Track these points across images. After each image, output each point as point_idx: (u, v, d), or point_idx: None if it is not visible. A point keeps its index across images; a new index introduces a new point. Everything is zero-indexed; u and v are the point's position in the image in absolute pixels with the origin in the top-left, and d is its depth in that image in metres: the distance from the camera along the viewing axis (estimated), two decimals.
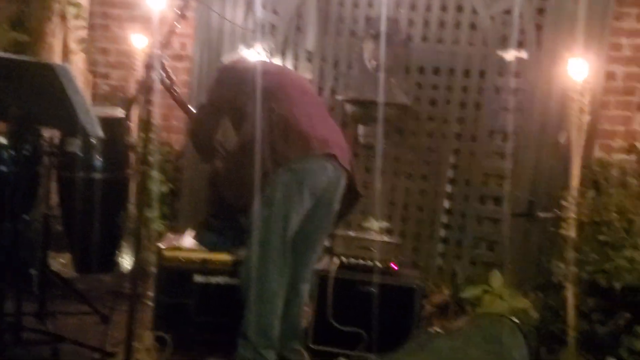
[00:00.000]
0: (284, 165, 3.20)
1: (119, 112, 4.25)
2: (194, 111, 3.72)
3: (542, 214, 3.87)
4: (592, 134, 4.28)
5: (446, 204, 4.84)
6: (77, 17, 4.97)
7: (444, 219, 4.84)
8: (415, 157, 4.88)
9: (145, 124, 2.90)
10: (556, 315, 4.29)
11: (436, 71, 4.82)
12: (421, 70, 4.84)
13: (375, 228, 4.40)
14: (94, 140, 3.96)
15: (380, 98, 4.50)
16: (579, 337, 4.05)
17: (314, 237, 3.49)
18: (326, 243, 4.74)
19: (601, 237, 4.09)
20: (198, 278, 3.63)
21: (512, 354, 2.86)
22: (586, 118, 4.08)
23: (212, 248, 3.69)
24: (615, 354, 3.65)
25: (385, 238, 4.06)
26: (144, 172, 2.95)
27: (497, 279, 4.33)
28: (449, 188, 4.83)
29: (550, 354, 4.06)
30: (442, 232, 4.84)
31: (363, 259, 3.90)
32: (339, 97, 4.89)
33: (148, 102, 2.87)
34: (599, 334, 4.02)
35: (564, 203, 4.09)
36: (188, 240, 3.80)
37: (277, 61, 4.90)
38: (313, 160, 3.27)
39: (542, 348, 3.99)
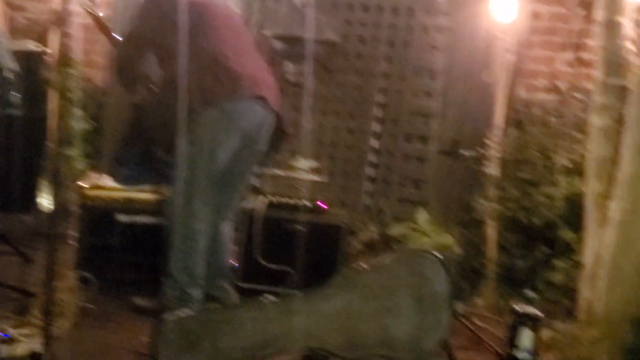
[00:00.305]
0: (212, 104, 3.15)
1: (36, 46, 4.06)
2: (119, 40, 3.55)
3: (466, 152, 3.94)
4: (516, 74, 4.34)
5: (374, 142, 4.86)
6: None
7: (372, 157, 4.87)
8: (343, 96, 4.86)
9: (64, 58, 2.77)
10: (478, 250, 4.42)
11: (365, 8, 4.77)
12: (350, 7, 4.78)
13: (303, 167, 4.39)
14: (9, 75, 3.77)
15: (308, 34, 4.43)
16: (499, 271, 4.20)
17: (239, 176, 3.46)
18: (254, 182, 4.73)
19: (522, 175, 4.20)
20: (121, 217, 3.56)
21: (435, 287, 2.93)
22: (511, 57, 4.14)
23: (125, 183, 3.62)
24: (532, 287, 3.79)
25: (313, 177, 4.06)
26: (63, 109, 2.84)
27: (422, 216, 4.42)
28: (376, 127, 4.84)
29: (472, 288, 4.20)
30: (370, 171, 4.87)
31: (291, 197, 3.90)
32: (266, 33, 4.79)
33: (65, 34, 2.73)
34: (518, 268, 4.18)
35: (487, 142, 4.17)
36: (111, 179, 3.72)
37: None
38: (242, 101, 3.23)
39: (464, 282, 4.12)
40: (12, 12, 5.08)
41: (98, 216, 3.55)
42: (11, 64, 2.84)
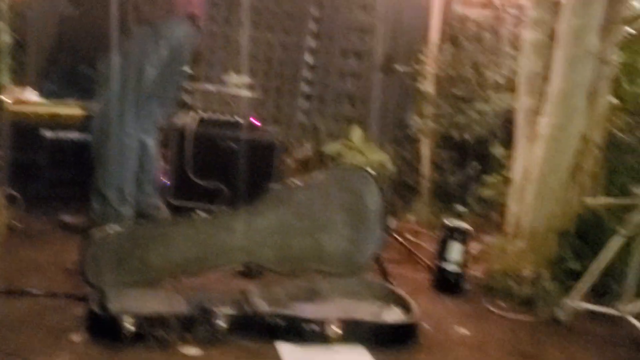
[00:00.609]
0: (146, 22, 3.10)
1: None
2: None
3: (400, 68, 3.91)
4: None
5: (309, 58, 4.77)
6: None
7: (307, 74, 4.79)
8: (278, 9, 4.73)
9: None
10: (411, 167, 4.47)
11: None
12: None
13: (236, 82, 4.29)
14: None
15: None
16: (432, 187, 4.27)
17: (164, 91, 3.36)
18: (185, 98, 4.62)
19: (456, 91, 4.21)
20: (47, 133, 3.43)
21: (367, 203, 2.95)
22: None
23: (50, 97, 3.48)
24: (463, 202, 3.87)
25: (246, 93, 3.97)
26: None
27: (357, 133, 4.41)
28: (311, 42, 4.75)
29: (405, 204, 4.26)
30: (305, 88, 4.81)
31: (223, 113, 3.83)
32: None
33: None
34: (450, 184, 4.25)
35: (422, 57, 4.15)
36: (35, 94, 3.56)
37: None
38: (176, 19, 3.18)
39: (397, 198, 4.17)
40: None
41: (23, 132, 3.41)
42: None
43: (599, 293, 3.16)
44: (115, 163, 3.16)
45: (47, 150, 3.42)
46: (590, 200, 3.26)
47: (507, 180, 3.76)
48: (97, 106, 3.24)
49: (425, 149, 4.34)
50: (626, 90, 3.45)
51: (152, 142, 3.42)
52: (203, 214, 2.77)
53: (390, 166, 4.15)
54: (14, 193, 3.33)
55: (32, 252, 3.01)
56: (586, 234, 3.29)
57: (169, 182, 3.78)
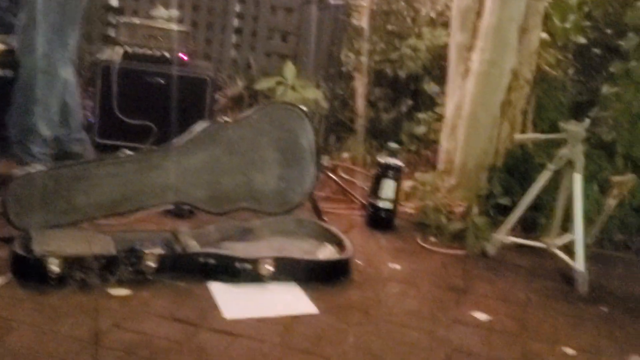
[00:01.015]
0: None
1: None
2: None
3: (333, 1, 3.82)
4: None
5: None
6: None
7: (237, 7, 4.65)
8: None
9: None
10: (345, 104, 4.43)
11: None
12: None
13: (164, 16, 4.13)
14: None
15: None
16: (366, 124, 4.25)
17: (76, 17, 3.17)
18: (110, 32, 4.43)
19: (389, 27, 4.17)
20: None
21: (300, 140, 2.91)
22: None
23: None
24: (396, 139, 3.86)
25: (174, 26, 3.82)
26: None
27: (290, 70, 4.31)
28: None
29: (339, 142, 4.24)
30: (236, 22, 4.68)
31: (150, 48, 3.68)
32: None
33: None
34: (384, 121, 4.24)
35: None
36: None
37: None
38: None
39: (331, 136, 4.14)
40: None
41: None
42: None
43: (527, 227, 3.24)
44: (38, 98, 3.01)
45: None
46: (519, 136, 3.31)
47: (439, 117, 3.78)
48: (16, 40, 3.07)
49: (359, 86, 4.31)
50: (556, 26, 3.47)
51: (72, 77, 3.25)
52: (129, 152, 2.67)
53: (324, 103, 4.10)
54: None
55: None
56: (515, 169, 3.35)
57: (94, 120, 3.65)
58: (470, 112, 3.35)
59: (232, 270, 2.43)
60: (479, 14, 3.32)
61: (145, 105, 3.59)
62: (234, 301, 2.30)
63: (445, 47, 3.64)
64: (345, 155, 4.07)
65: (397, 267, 2.78)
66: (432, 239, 3.12)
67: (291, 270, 2.50)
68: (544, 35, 3.42)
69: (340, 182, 3.57)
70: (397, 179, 3.21)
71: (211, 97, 3.76)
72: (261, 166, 2.89)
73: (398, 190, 3.23)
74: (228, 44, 4.68)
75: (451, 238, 3.10)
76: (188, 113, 3.55)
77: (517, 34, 3.26)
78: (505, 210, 3.17)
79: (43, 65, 3.01)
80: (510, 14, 3.23)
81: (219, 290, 2.35)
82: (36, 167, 2.52)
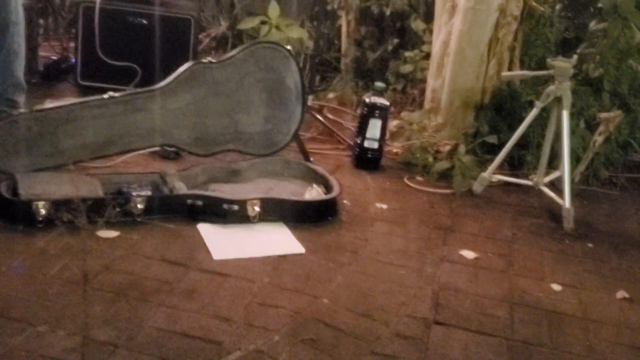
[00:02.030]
0: None
1: None
2: None
3: None
4: None
5: None
6: None
7: None
8: None
9: None
10: (330, 43, 4.38)
11: None
12: None
13: None
14: None
15: None
16: (351, 64, 4.21)
17: None
18: None
19: None
20: None
21: (285, 80, 2.88)
22: None
23: None
24: (382, 78, 3.84)
25: None
26: None
27: (274, 9, 4.23)
28: None
29: (324, 81, 4.21)
30: None
31: None
32: None
33: None
34: (369, 60, 4.20)
35: None
36: None
37: None
38: None
39: (316, 76, 4.10)
40: None
41: None
42: None
43: (514, 165, 3.26)
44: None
45: None
46: (506, 74, 3.29)
47: (425, 55, 3.74)
48: None
49: (345, 24, 4.25)
50: None
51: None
52: (113, 94, 2.63)
53: (308, 43, 4.05)
54: None
55: None
56: (502, 107, 3.35)
57: (75, 61, 3.59)
58: (456, 50, 3.32)
59: (220, 212, 2.43)
60: None
61: (128, 46, 3.53)
62: (222, 242, 2.31)
63: None
64: (331, 95, 4.04)
65: (384, 206, 2.80)
66: (419, 178, 3.13)
67: (279, 211, 2.50)
68: None
69: (326, 123, 3.55)
70: (384, 119, 3.20)
71: (195, 38, 3.70)
72: (247, 107, 2.87)
73: (384, 129, 3.22)
74: None
75: (438, 177, 3.11)
76: (171, 54, 3.50)
77: None
78: (492, 149, 3.18)
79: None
80: None
81: (207, 231, 2.36)
82: (20, 111, 2.48)
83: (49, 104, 2.62)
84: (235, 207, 2.44)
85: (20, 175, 2.37)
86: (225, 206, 2.44)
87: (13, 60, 2.97)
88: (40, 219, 2.19)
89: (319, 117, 3.55)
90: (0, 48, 2.90)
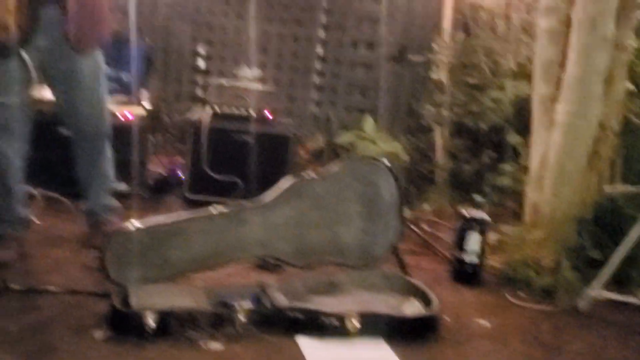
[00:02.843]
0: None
1: None
2: None
3: (413, 58, 3.88)
4: None
5: (320, 50, 4.75)
6: None
7: (318, 65, 4.77)
8: (288, 2, 4.71)
9: None
10: (425, 156, 4.45)
11: None
12: None
13: (249, 76, 4.29)
14: None
15: None
16: (447, 176, 4.25)
17: None
18: (199, 93, 4.62)
19: (469, 80, 4.18)
20: (64, 130, 3.39)
21: (383, 194, 2.94)
22: None
23: None
24: (479, 191, 3.84)
25: (259, 86, 3.97)
26: None
27: (369, 123, 4.39)
28: (322, 33, 4.72)
29: (420, 193, 4.24)
30: (316, 79, 4.79)
31: (237, 107, 3.82)
32: None
33: None
34: (465, 173, 4.23)
35: (434, 46, 4.12)
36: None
37: None
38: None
39: (412, 188, 4.15)
40: None
41: (40, 129, 3.32)
42: None
43: (619, 281, 3.14)
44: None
45: (63, 147, 3.39)
46: (608, 188, 3.24)
47: (524, 169, 3.74)
48: None
49: (439, 137, 4.32)
50: None
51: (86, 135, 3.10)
52: (219, 208, 2.76)
53: (404, 156, 4.13)
54: (32, 190, 3.34)
55: (51, 249, 3.02)
56: (605, 221, 3.27)
57: (184, 176, 3.79)
58: (556, 164, 3.31)
59: (319, 325, 2.45)
60: (562, 65, 3.30)
61: (232, 162, 3.72)
62: (322, 357, 2.31)
63: (527, 99, 3.62)
64: (427, 207, 4.07)
65: (486, 323, 2.74)
66: (521, 293, 3.06)
67: (377, 326, 2.49)
68: (630, 85, 3.37)
69: (423, 235, 3.57)
70: (483, 232, 3.18)
71: (293, 153, 3.86)
72: (345, 220, 2.93)
73: (484, 243, 3.20)
74: (309, 100, 4.79)
75: (541, 293, 3.03)
76: (272, 168, 3.66)
77: (601, 85, 3.22)
78: (597, 264, 3.09)
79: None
80: (594, 66, 3.20)
81: (307, 345, 2.37)
82: (133, 223, 2.63)
83: (159, 218, 2.76)
84: (335, 321, 2.45)
85: (132, 286, 2.49)
86: (324, 320, 2.45)
87: (108, 167, 3.17)
88: (150, 330, 2.27)
89: (415, 229, 3.57)
90: (98, 155, 3.10)
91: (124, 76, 3.96)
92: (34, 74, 2.68)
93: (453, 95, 4.17)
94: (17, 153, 2.88)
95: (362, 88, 4.76)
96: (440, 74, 4.12)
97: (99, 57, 2.93)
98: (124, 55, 3.90)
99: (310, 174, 2.93)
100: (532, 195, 3.48)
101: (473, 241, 3.17)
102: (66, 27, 2.69)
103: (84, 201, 3.17)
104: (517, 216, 3.70)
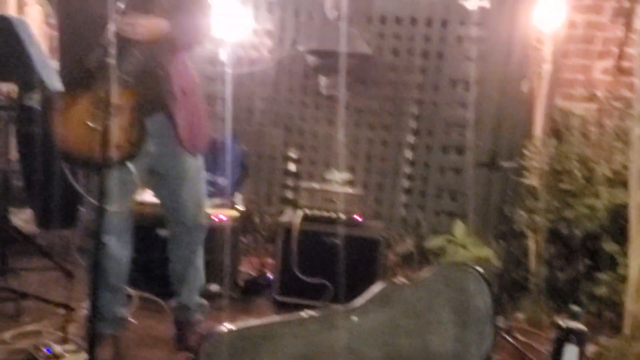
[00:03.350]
0: None
1: None
2: None
3: (504, 164, 3.88)
4: (554, 83, 4.29)
5: (409, 154, 4.82)
6: None
7: (407, 169, 4.83)
8: (378, 108, 4.84)
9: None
10: (518, 263, 4.35)
11: (398, 20, 4.75)
12: (383, 19, 4.77)
13: (338, 180, 4.38)
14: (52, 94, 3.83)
15: (342, 48, 4.43)
16: (541, 284, 4.13)
17: None
18: (289, 195, 4.74)
19: (562, 186, 4.13)
20: (162, 232, 3.55)
21: (476, 301, 2.89)
22: (548, 67, 4.09)
23: None
24: (575, 300, 3.72)
25: (348, 189, 4.04)
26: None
27: (460, 228, 4.36)
28: (411, 138, 4.80)
29: (513, 301, 4.13)
30: (405, 183, 4.84)
31: (327, 210, 3.89)
32: (300, 48, 4.80)
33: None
34: (560, 281, 4.11)
35: (526, 152, 4.12)
36: (149, 194, 3.73)
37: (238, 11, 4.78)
38: None
39: (505, 295, 4.05)
40: (52, 32, 5.17)
41: (140, 232, 3.49)
42: (56, 84, 2.84)
43: None
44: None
45: (162, 249, 3.52)
46: None
47: (622, 278, 3.61)
48: None
49: (532, 244, 4.24)
50: None
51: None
52: (311, 312, 2.78)
53: (495, 262, 4.07)
54: (130, 290, 3.45)
55: (146, 349, 3.09)
56: None
57: (273, 278, 3.85)
58: None
59: None
60: None
61: (322, 264, 3.75)
62: None
63: (624, 206, 3.54)
64: (521, 316, 3.95)
65: None
66: None
67: None
68: None
69: (517, 345, 3.45)
70: (580, 344, 3.06)
71: (382, 257, 3.86)
72: (437, 328, 2.88)
73: (581, 356, 3.06)
74: (398, 203, 4.83)
75: None
76: (361, 271, 3.68)
77: None
78: None
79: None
80: None
81: None
82: (227, 326, 2.67)
83: (250, 321, 2.80)
84: None
85: None
86: None
87: (201, 266, 3.26)
88: None
89: (509, 338, 3.47)
90: (194, 251, 3.20)
91: (220, 180, 4.12)
92: (138, 181, 2.82)
93: (546, 201, 4.12)
94: (124, 255, 3.02)
95: (451, 192, 4.76)
96: (532, 180, 4.09)
97: (200, 158, 3.09)
98: (220, 160, 4.08)
99: (401, 279, 2.93)
100: (632, 306, 3.34)
101: (570, 354, 3.04)
102: (177, 132, 2.85)
103: (175, 298, 3.25)
104: (616, 328, 3.55)
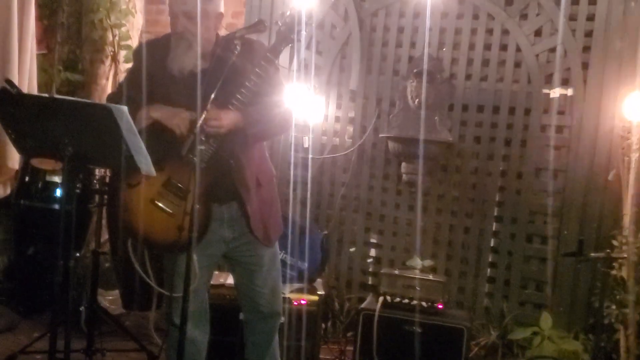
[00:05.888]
0: None
1: None
2: None
3: (593, 254, 3.76)
4: None
5: (492, 242, 4.75)
6: (128, 60, 5.07)
7: (490, 257, 4.75)
8: (460, 195, 4.82)
9: None
10: (609, 358, 4.17)
11: (480, 109, 4.78)
12: (465, 107, 4.81)
13: (420, 266, 4.35)
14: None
15: (423, 135, 4.49)
16: None
17: None
18: (371, 281, 4.72)
19: None
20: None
21: None
22: (636, 156, 4.02)
23: None
24: None
25: (430, 276, 4.01)
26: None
27: (546, 320, 4.22)
28: (494, 226, 4.75)
29: None
30: (488, 271, 4.75)
31: (408, 297, 3.86)
32: (382, 135, 4.89)
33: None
34: None
35: (615, 242, 4.00)
36: (231, 278, 3.80)
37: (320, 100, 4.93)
38: None
39: None
40: None
41: (221, 314, 3.56)
42: (151, 170, 2.95)
43: None
44: None
45: (235, 331, 3.55)
46: None
47: None
48: None
49: (622, 338, 4.06)
50: None
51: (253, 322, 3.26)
52: None
53: (584, 356, 3.91)
54: None
55: None
56: None
57: None
58: None
59: None
60: None
61: (402, 352, 3.69)
62: None
63: None
64: None
65: None
66: None
67: None
68: None
69: None
70: None
71: (467, 347, 3.77)
72: None
73: None
74: (481, 292, 4.73)
75: None
76: None
77: None
78: None
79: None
80: None
81: None
82: None
83: None
84: None
85: None
86: None
87: (277, 352, 3.26)
88: None
89: None
90: (270, 337, 3.21)
91: (301, 264, 4.16)
92: (197, 269, 2.84)
93: (636, 294, 3.96)
94: (202, 340, 3.07)
95: (536, 282, 4.63)
96: (621, 271, 3.95)
97: (276, 245, 3.14)
98: (301, 244, 4.13)
99: None
100: None
101: None
102: (252, 223, 2.93)
103: None
104: None
